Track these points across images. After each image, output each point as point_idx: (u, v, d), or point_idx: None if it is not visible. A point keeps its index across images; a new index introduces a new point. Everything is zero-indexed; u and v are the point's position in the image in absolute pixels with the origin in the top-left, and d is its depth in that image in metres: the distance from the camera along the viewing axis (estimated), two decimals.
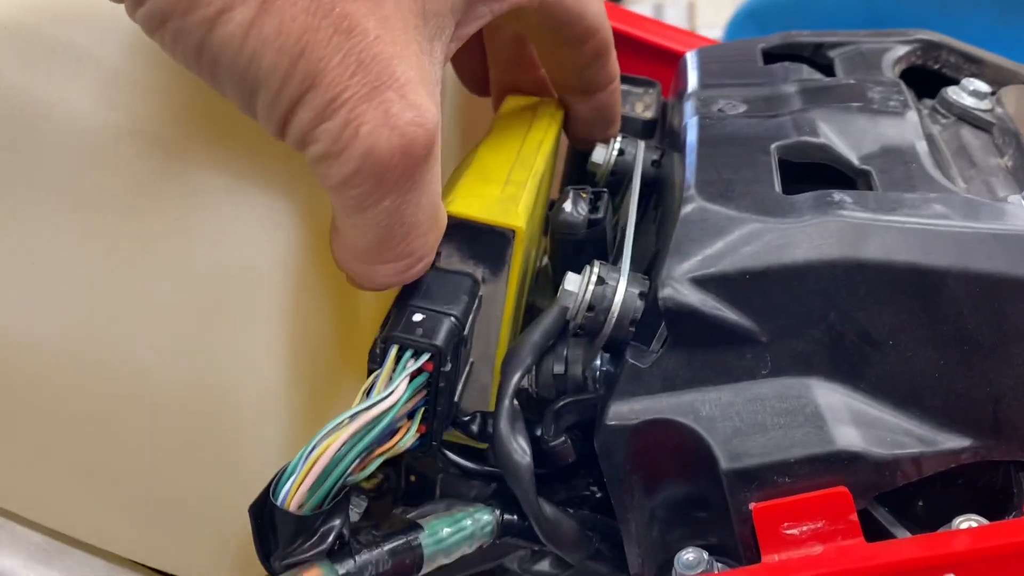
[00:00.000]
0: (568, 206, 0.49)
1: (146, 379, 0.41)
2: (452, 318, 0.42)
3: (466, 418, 0.47)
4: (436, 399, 0.42)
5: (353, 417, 0.38)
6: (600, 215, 0.49)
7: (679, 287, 0.42)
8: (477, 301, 0.45)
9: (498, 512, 0.46)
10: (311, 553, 0.38)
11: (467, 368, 0.46)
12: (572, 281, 0.44)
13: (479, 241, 0.46)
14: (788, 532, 0.41)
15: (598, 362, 0.49)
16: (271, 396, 0.42)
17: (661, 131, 0.60)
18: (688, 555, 0.45)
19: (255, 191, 0.41)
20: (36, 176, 0.41)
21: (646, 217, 0.52)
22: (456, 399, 0.45)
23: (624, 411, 0.43)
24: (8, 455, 0.46)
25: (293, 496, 0.38)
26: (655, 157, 0.55)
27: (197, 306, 0.40)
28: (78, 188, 0.41)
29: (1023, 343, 0.40)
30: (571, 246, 0.49)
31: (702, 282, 0.42)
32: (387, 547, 0.41)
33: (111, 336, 0.41)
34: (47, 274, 0.42)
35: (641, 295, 0.44)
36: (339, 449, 0.37)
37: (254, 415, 0.42)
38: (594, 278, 0.44)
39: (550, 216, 0.49)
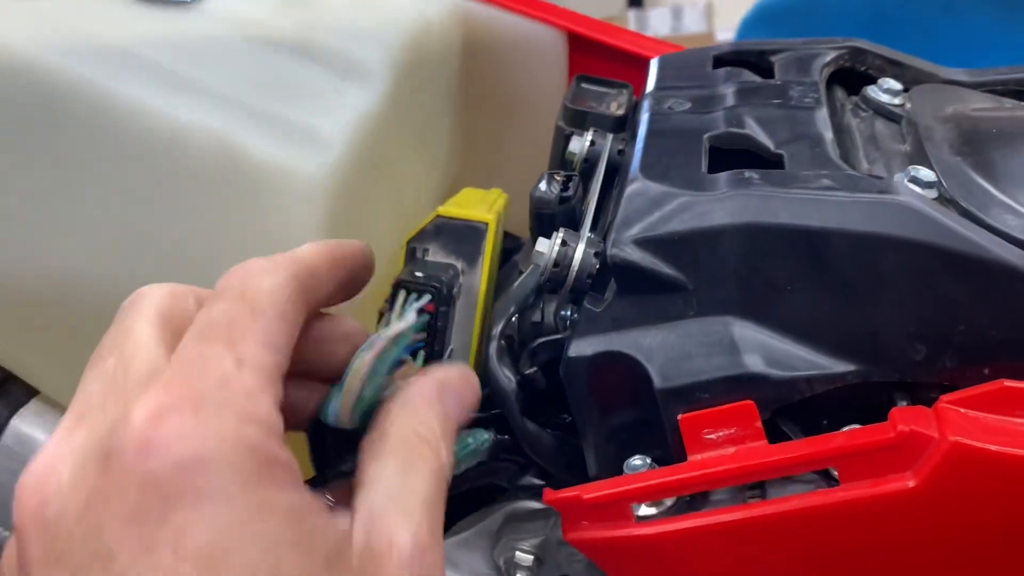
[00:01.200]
0: (543, 186, 0.61)
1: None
2: (449, 271, 0.55)
3: None
4: (434, 341, 0.54)
5: (377, 338, 0.47)
6: (570, 193, 0.61)
7: (625, 247, 0.54)
8: (458, 286, 0.58)
9: (493, 432, 0.57)
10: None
11: (448, 351, 0.59)
12: (543, 244, 0.56)
13: (458, 237, 0.59)
14: (707, 437, 0.53)
15: (566, 312, 0.61)
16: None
17: (631, 126, 0.72)
18: (635, 461, 0.56)
19: None
20: None
21: (609, 195, 0.63)
22: (446, 357, 0.57)
23: (583, 346, 0.55)
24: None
25: (342, 412, 0.44)
26: (620, 147, 0.67)
27: None
28: None
29: (891, 288, 0.51)
30: (545, 220, 0.61)
31: (642, 243, 0.53)
32: None
33: None
34: None
35: (596, 254, 0.56)
36: (372, 365, 0.45)
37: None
38: (559, 242, 0.56)
39: (530, 194, 0.61)
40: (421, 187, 0.68)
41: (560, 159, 0.71)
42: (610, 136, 0.67)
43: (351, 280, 0.44)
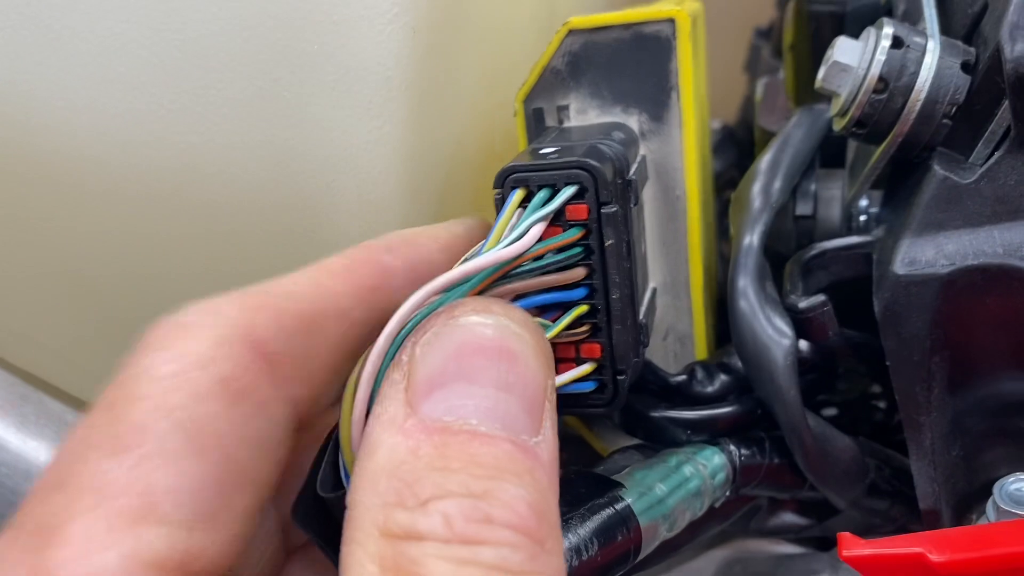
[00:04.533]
0: None
1: (221, 165, 0.28)
2: (614, 134, 0.26)
3: (680, 377, 0.31)
4: (607, 286, 0.25)
5: (410, 305, 0.21)
6: None
7: None
8: (640, 158, 0.30)
9: (733, 448, 0.30)
10: None
11: (648, 289, 0.31)
12: (847, 49, 0.28)
13: (621, 67, 0.30)
14: None
15: (865, 201, 0.33)
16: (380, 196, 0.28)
17: None
18: (1019, 484, 0.28)
19: None
20: None
21: None
22: (641, 318, 0.28)
23: (928, 253, 0.27)
24: (38, 303, 0.34)
25: (350, 465, 0.21)
26: None
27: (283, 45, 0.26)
28: None
29: None
30: (829, 24, 0.33)
31: None
32: (588, 524, 0.25)
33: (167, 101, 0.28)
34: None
35: (964, 67, 0.28)
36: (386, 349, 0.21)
37: (356, 223, 0.27)
38: (887, 40, 0.28)
39: None
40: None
41: None
42: None
43: None
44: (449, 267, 0.22)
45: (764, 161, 0.32)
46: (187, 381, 0.20)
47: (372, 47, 0.26)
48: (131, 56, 0.27)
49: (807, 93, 0.31)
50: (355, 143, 0.27)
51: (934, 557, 0.26)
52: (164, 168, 0.28)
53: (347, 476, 0.22)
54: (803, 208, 0.33)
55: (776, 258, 0.33)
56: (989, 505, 0.29)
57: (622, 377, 0.25)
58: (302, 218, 0.28)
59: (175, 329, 0.21)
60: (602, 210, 0.24)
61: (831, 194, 0.33)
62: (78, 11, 0.28)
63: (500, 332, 0.20)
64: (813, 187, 0.33)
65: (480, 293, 0.22)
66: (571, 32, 0.31)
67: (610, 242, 0.24)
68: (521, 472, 0.19)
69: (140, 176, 0.29)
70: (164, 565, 0.19)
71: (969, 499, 0.31)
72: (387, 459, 0.19)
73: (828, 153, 0.35)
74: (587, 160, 0.24)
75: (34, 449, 0.34)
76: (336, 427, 0.22)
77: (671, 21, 0.30)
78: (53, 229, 0.31)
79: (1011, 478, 0.29)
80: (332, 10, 0.26)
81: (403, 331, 0.21)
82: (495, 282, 0.22)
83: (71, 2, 0.28)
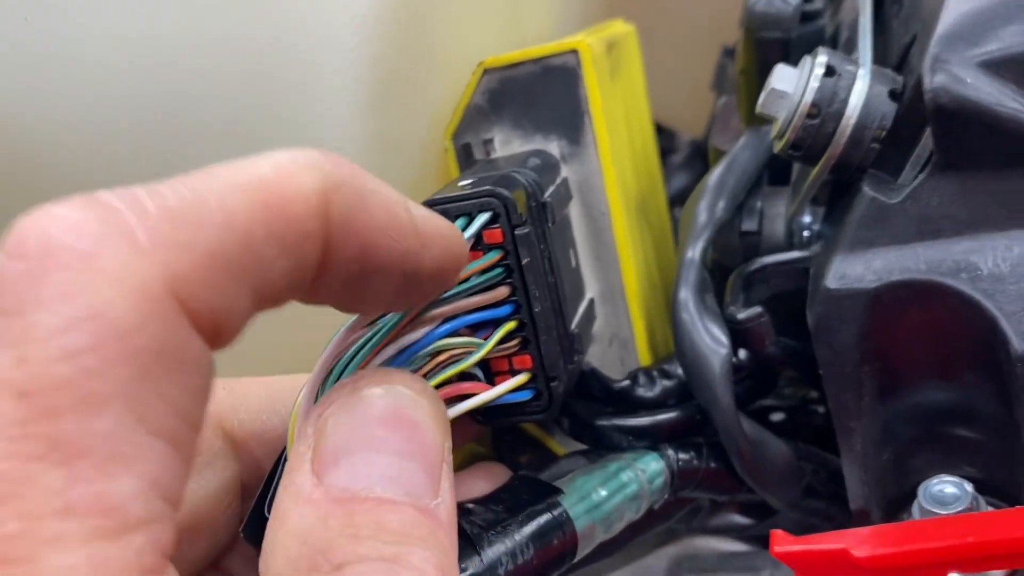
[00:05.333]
0: None
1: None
2: (516, 173, 0.29)
3: (623, 383, 0.32)
4: (529, 301, 0.26)
5: (338, 336, 0.23)
6: (818, 6, 0.35)
7: (960, 73, 0.27)
8: (561, 180, 0.32)
9: (671, 454, 0.31)
10: None
11: (584, 300, 0.33)
12: (784, 76, 0.30)
13: (539, 99, 0.32)
14: None
15: (808, 218, 0.35)
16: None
17: None
18: (942, 486, 0.30)
19: None
20: None
21: (878, 17, 0.37)
22: (573, 328, 0.29)
23: (857, 269, 0.29)
24: None
25: None
26: None
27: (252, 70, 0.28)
28: None
29: None
30: (776, 51, 0.35)
31: (1000, 67, 0.27)
32: (525, 530, 0.26)
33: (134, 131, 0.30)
34: None
35: (892, 95, 0.29)
36: (326, 372, 0.23)
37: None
38: (820, 69, 0.30)
39: (747, 9, 0.35)
40: (548, 13, 0.42)
41: None
42: None
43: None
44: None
45: (711, 179, 0.34)
46: (106, 358, 0.16)
47: (333, 75, 0.28)
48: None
49: (756, 115, 0.32)
50: None
51: (856, 552, 0.28)
52: None
53: None
54: (749, 224, 0.35)
55: (724, 272, 0.35)
56: (914, 506, 0.31)
57: (555, 383, 0.27)
58: None
59: (74, 261, 0.16)
60: (515, 232, 0.26)
61: (776, 211, 0.35)
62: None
63: (399, 402, 0.21)
64: (759, 204, 0.35)
65: (416, 318, 0.24)
66: (486, 71, 0.33)
67: (527, 260, 0.27)
68: (426, 536, 0.20)
69: None
70: (165, 553, 0.18)
71: (899, 501, 0.32)
72: (298, 527, 0.20)
73: (776, 172, 0.36)
74: (497, 189, 0.26)
75: None
76: (283, 452, 0.24)
77: (575, 52, 0.32)
78: None
79: (935, 480, 0.31)
80: (297, 41, 0.28)
81: (334, 368, 0.23)
82: (426, 308, 0.24)
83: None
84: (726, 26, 0.56)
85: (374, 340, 0.23)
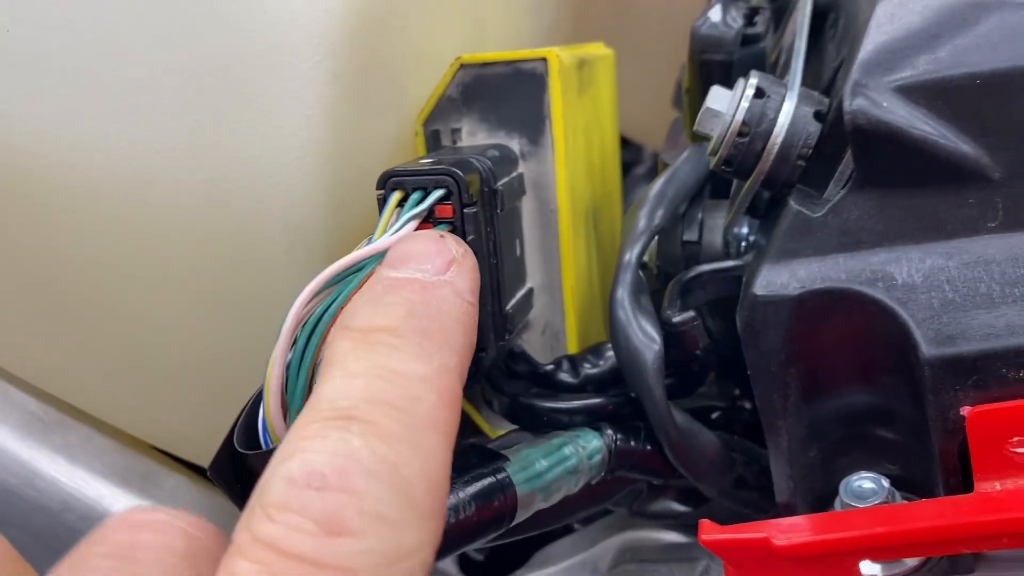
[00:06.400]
0: (716, 15, 0.37)
1: (153, 191, 0.32)
2: (488, 152, 0.31)
3: (548, 367, 0.35)
4: None
5: (314, 284, 0.27)
6: (759, 30, 0.37)
7: (877, 97, 0.30)
8: (516, 175, 0.34)
9: (611, 433, 0.34)
10: None
11: (523, 288, 0.35)
12: (719, 97, 0.32)
13: (507, 98, 0.35)
14: (1015, 452, 0.29)
15: (745, 229, 0.37)
16: (303, 215, 0.32)
17: None
18: (861, 482, 0.32)
19: None
20: None
21: (816, 42, 0.39)
22: (508, 308, 0.32)
23: (783, 277, 0.31)
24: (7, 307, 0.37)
25: (269, 421, 0.26)
26: None
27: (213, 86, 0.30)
28: None
29: None
30: (718, 71, 0.37)
31: (913, 92, 0.29)
32: (469, 489, 0.29)
33: (107, 132, 0.31)
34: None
35: (817, 115, 0.32)
36: (297, 332, 0.26)
37: (282, 237, 0.31)
38: (751, 90, 0.32)
39: (691, 31, 0.37)
40: (512, 30, 0.44)
41: None
42: None
43: None
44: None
45: (653, 189, 0.36)
46: None
47: (296, 88, 0.30)
48: (95, 102, 0.31)
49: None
50: (280, 173, 0.31)
51: (777, 541, 0.30)
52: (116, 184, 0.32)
53: (265, 434, 0.26)
54: (690, 234, 0.37)
55: (667, 279, 0.37)
56: (836, 501, 0.33)
57: (483, 354, 0.30)
58: (235, 234, 0.32)
59: None
60: (464, 210, 0.29)
61: (716, 222, 0.37)
62: (37, 35, 0.31)
63: None
64: (700, 215, 0.37)
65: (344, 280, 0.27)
66: (463, 66, 0.36)
67: (471, 237, 0.29)
68: None
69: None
70: None
71: (826, 497, 0.34)
72: None
73: (718, 185, 0.39)
74: (453, 169, 0.29)
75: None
76: (259, 390, 0.26)
77: (544, 60, 0.35)
78: (11, 239, 0.34)
79: (855, 476, 0.33)
80: (262, 54, 0.30)
81: (307, 322, 0.25)
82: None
83: (29, 28, 0.31)
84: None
85: (332, 308, 0.26)
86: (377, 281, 0.26)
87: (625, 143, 0.62)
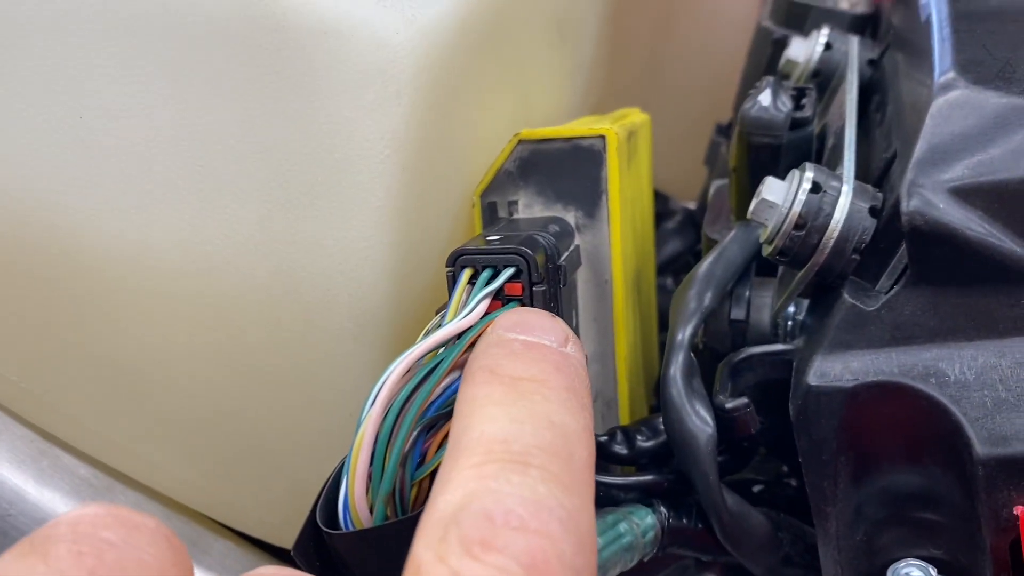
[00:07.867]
0: (766, 99, 0.37)
1: (223, 277, 0.32)
2: (551, 227, 0.32)
3: (603, 437, 0.36)
4: None
5: (398, 363, 0.27)
6: (807, 113, 0.37)
7: (932, 198, 0.30)
8: (574, 248, 0.35)
9: (664, 511, 0.34)
10: None
11: None
12: (774, 188, 0.33)
13: (561, 172, 0.36)
14: None
15: (792, 308, 0.37)
16: (371, 302, 0.32)
17: (874, 30, 0.48)
18: (908, 569, 0.33)
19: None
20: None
21: (861, 125, 0.40)
22: None
23: (836, 369, 0.32)
24: (61, 375, 0.37)
25: (352, 501, 0.26)
26: (872, 56, 0.43)
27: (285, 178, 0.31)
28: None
29: None
30: (767, 154, 0.38)
31: (968, 193, 0.30)
32: None
33: (180, 220, 0.32)
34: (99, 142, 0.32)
35: (872, 211, 0.32)
36: (384, 416, 0.26)
37: (350, 324, 0.32)
38: (807, 184, 0.32)
39: (740, 113, 0.38)
40: (555, 97, 0.45)
41: (764, 72, 0.47)
42: (854, 38, 0.44)
43: None
44: None
45: (701, 270, 0.37)
46: None
47: (366, 181, 0.31)
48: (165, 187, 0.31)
49: (745, 211, 0.35)
50: (348, 262, 0.31)
51: None
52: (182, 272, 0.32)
53: (346, 514, 0.26)
54: (737, 313, 0.37)
55: (713, 355, 0.38)
56: None
57: None
58: (303, 321, 0.32)
59: None
60: (533, 288, 0.30)
61: (763, 301, 0.38)
62: (113, 123, 0.32)
63: None
64: (747, 293, 0.38)
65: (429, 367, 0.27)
66: (521, 141, 0.37)
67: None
68: None
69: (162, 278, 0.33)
70: None
71: None
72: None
73: (764, 261, 0.39)
74: (522, 248, 0.30)
75: (49, 500, 0.38)
76: (338, 469, 0.26)
77: (602, 137, 0.36)
78: (80, 317, 0.35)
79: (902, 563, 0.33)
80: (334, 147, 0.30)
81: (392, 407, 0.26)
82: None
83: (104, 116, 0.32)
84: (719, 104, 0.59)
85: (423, 389, 0.26)
86: (507, 341, 0.26)
87: (655, 195, 0.63)
